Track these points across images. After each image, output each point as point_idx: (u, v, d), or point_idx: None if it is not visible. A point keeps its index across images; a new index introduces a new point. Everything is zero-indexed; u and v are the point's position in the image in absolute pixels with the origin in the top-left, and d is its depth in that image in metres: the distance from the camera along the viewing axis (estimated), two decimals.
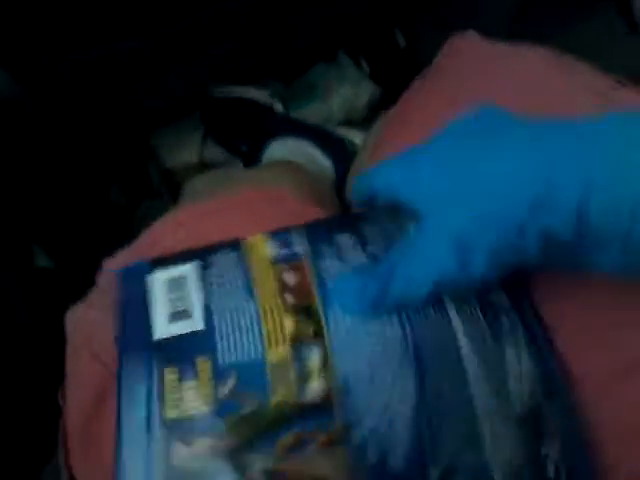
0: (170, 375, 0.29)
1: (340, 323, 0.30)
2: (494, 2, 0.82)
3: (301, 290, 0.31)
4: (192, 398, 0.29)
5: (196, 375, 0.29)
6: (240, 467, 0.27)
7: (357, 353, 0.29)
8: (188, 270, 0.33)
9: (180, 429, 0.28)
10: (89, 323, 0.37)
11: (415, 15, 0.86)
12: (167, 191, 0.75)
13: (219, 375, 0.29)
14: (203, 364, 0.29)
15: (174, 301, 0.32)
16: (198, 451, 0.28)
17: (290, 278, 0.32)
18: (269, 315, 0.31)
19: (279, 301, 0.31)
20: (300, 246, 0.33)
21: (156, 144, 0.77)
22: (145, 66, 0.69)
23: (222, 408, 0.28)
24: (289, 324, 0.30)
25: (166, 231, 0.39)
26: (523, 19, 0.80)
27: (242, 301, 0.31)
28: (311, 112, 0.82)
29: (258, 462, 0.27)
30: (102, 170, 0.70)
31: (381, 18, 0.86)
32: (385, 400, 0.27)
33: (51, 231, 0.61)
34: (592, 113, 0.35)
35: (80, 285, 0.39)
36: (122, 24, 0.62)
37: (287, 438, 0.27)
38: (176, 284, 0.33)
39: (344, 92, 0.83)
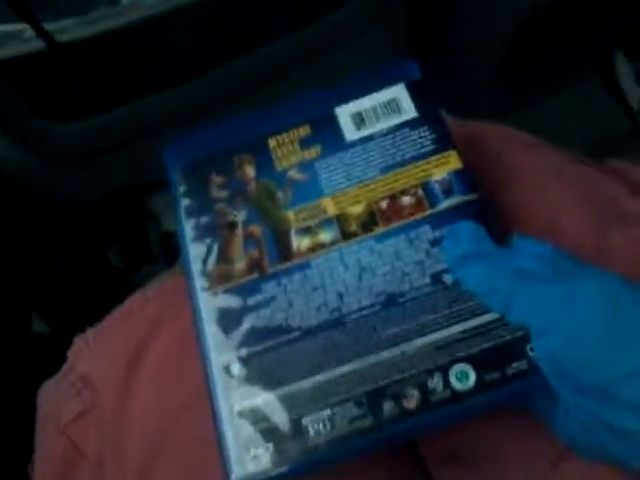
0: None
1: None
2: (480, 60, 0.86)
3: None
4: None
5: None
6: None
7: None
8: None
9: None
10: (56, 396, 0.38)
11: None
12: (164, 255, 0.75)
13: None
14: None
15: None
16: None
17: None
18: None
19: None
20: None
21: (155, 208, 0.78)
22: (142, 128, 0.71)
23: None
24: None
25: (135, 309, 0.39)
26: (509, 82, 0.83)
27: None
28: None
29: None
30: (101, 234, 0.70)
31: None
32: None
33: (48, 296, 0.62)
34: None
35: None
36: (121, 90, 0.63)
37: None
38: None
39: None
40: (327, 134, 0.35)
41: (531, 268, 0.26)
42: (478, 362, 0.28)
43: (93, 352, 0.38)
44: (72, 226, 0.66)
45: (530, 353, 0.28)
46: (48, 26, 0.54)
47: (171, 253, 0.76)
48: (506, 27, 0.78)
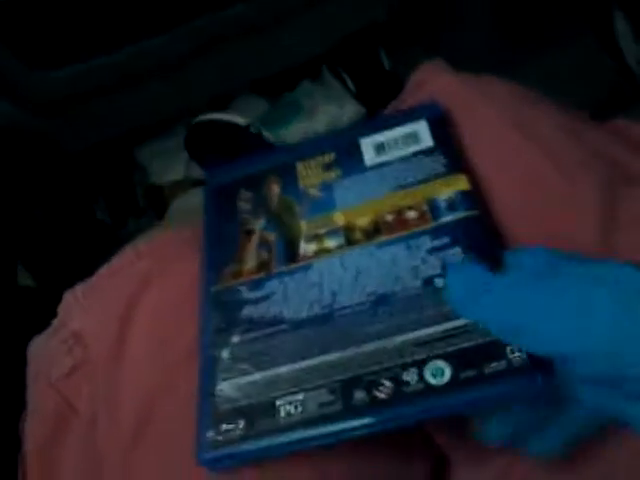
0: None
1: None
2: (476, 23, 0.84)
3: None
4: None
5: None
6: None
7: None
8: None
9: None
10: (48, 353, 0.38)
11: (400, 36, 0.87)
12: (153, 209, 0.75)
13: None
14: None
15: None
16: None
17: None
18: None
19: None
20: None
21: (143, 161, 0.77)
22: (128, 81, 0.69)
23: None
24: None
25: (126, 263, 0.39)
26: (504, 42, 0.82)
27: None
28: (296, 130, 0.83)
29: None
30: (87, 188, 0.70)
31: (366, 38, 0.87)
32: None
33: (35, 250, 0.61)
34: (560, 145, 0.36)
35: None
36: (106, 37, 0.62)
37: None
38: None
39: (329, 110, 0.84)
40: (349, 160, 0.39)
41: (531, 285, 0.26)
42: (455, 360, 0.29)
43: (84, 308, 0.38)
44: (58, 179, 0.64)
45: (510, 355, 0.28)
46: None
47: (158, 205, 0.76)
48: None
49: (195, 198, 0.77)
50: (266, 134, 0.72)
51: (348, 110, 0.84)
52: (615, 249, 0.32)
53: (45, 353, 0.38)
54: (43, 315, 0.40)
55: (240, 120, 0.72)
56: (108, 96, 0.68)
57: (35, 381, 0.37)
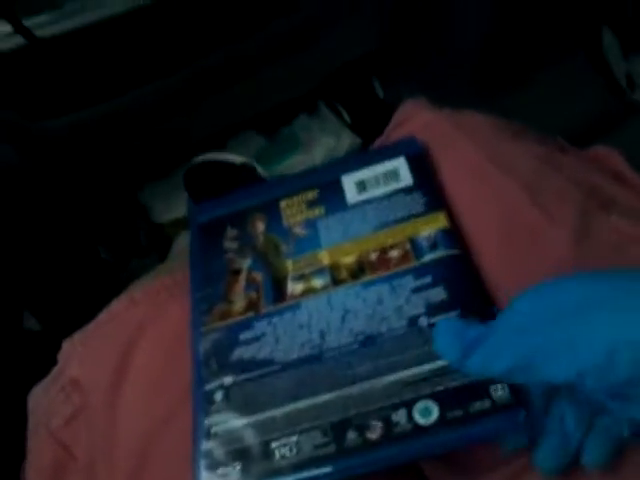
0: None
1: None
2: (466, 52, 0.85)
3: None
4: None
5: None
6: None
7: None
8: None
9: None
10: (47, 402, 0.38)
11: (393, 67, 0.88)
12: (155, 249, 0.76)
13: None
14: None
15: None
16: None
17: None
18: None
19: None
20: None
21: (146, 200, 0.79)
22: (132, 124, 0.71)
23: None
24: None
25: (121, 310, 0.40)
26: (494, 64, 0.83)
27: None
28: (294, 163, 0.85)
29: None
30: (91, 229, 0.71)
31: (360, 69, 0.88)
32: None
33: (40, 292, 0.62)
34: (537, 177, 0.37)
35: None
36: (109, 84, 0.64)
37: None
38: None
39: (326, 143, 0.86)
40: (332, 197, 0.40)
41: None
42: (442, 399, 0.29)
43: (81, 355, 0.39)
44: (62, 221, 0.66)
45: (494, 393, 0.29)
46: (25, 22, 0.53)
47: (161, 244, 0.77)
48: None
49: None
50: (260, 171, 0.73)
51: (345, 141, 0.86)
52: None
53: (44, 402, 0.38)
54: (48, 359, 0.41)
55: (235, 159, 0.73)
56: (107, 140, 0.69)
57: (35, 431, 0.38)
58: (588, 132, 0.44)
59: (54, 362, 0.41)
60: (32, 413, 0.39)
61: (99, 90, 0.64)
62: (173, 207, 0.82)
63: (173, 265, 0.47)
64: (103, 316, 0.41)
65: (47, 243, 0.66)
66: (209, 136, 0.80)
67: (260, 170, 0.73)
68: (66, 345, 0.40)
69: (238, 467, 0.30)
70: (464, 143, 0.40)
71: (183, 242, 0.76)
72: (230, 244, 0.40)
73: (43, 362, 0.41)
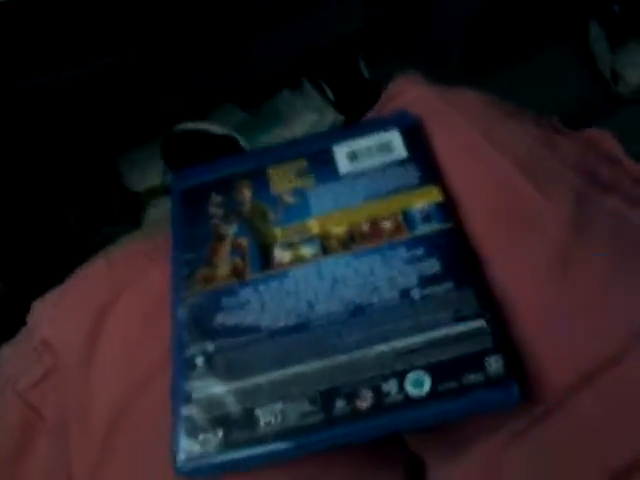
0: None
1: None
2: (453, 34, 0.85)
3: None
4: None
5: None
6: None
7: None
8: None
9: None
10: (15, 362, 0.37)
11: (379, 46, 0.87)
12: (128, 217, 0.74)
13: None
14: None
15: None
16: None
17: None
18: None
19: None
20: None
21: (120, 168, 0.76)
22: (110, 89, 0.69)
23: None
24: None
25: (97, 272, 0.39)
26: (480, 49, 0.83)
27: None
28: (275, 138, 0.83)
29: None
30: (62, 193, 0.69)
31: (346, 48, 0.87)
32: None
33: (6, 255, 0.60)
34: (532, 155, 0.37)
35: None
36: (88, 45, 0.62)
37: None
38: None
39: (308, 119, 0.84)
40: (322, 166, 0.38)
41: None
42: (435, 371, 0.29)
43: (53, 316, 0.37)
44: (33, 184, 0.64)
45: (488, 367, 0.29)
46: None
47: (134, 212, 0.75)
48: None
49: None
50: (243, 143, 0.72)
51: (327, 118, 0.84)
52: (581, 259, 0.32)
53: (13, 362, 0.37)
54: (12, 322, 0.39)
55: (217, 129, 0.71)
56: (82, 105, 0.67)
57: (2, 391, 0.36)
58: (571, 122, 0.43)
59: (19, 325, 0.39)
60: None
61: (75, 53, 0.62)
62: (148, 175, 0.80)
63: (151, 231, 0.46)
64: (76, 277, 0.39)
65: (15, 205, 0.63)
66: (189, 106, 0.78)
67: (242, 142, 0.72)
68: (37, 305, 0.38)
69: (220, 434, 0.29)
70: (457, 119, 0.39)
71: (157, 211, 0.74)
72: (215, 210, 0.38)
73: (7, 324, 0.39)
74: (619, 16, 0.82)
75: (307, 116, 0.85)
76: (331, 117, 0.84)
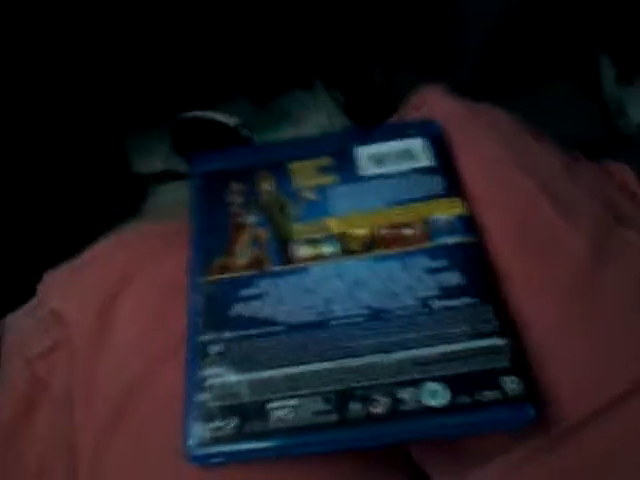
0: None
1: None
2: (468, 51, 0.86)
3: None
4: None
5: None
6: None
7: None
8: None
9: None
10: (24, 330, 0.37)
11: (394, 54, 0.88)
12: (131, 199, 0.74)
13: None
14: None
15: None
16: None
17: None
18: None
19: None
20: None
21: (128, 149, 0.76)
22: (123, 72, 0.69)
23: None
24: None
25: (112, 250, 0.39)
26: (487, 75, 0.84)
27: None
28: (282, 135, 0.83)
29: None
30: (68, 172, 0.68)
31: (361, 54, 0.88)
32: None
33: (12, 226, 0.60)
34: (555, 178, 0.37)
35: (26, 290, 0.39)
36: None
37: None
38: None
39: (318, 121, 0.85)
40: (345, 167, 0.39)
41: None
42: (452, 383, 0.29)
43: (65, 289, 0.37)
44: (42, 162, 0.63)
45: (505, 385, 0.29)
46: None
47: (135, 196, 0.74)
48: (493, 14, 0.78)
49: (175, 191, 0.76)
50: (249, 135, 0.72)
51: (336, 122, 0.85)
52: (601, 286, 0.33)
53: (21, 330, 0.37)
54: (21, 293, 0.39)
55: (230, 120, 0.71)
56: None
57: (8, 360, 0.36)
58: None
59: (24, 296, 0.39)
60: (6, 339, 0.37)
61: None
62: (152, 159, 0.79)
63: (166, 213, 0.46)
64: (91, 253, 0.39)
65: (22, 179, 0.63)
66: (200, 95, 0.78)
67: (249, 134, 0.72)
68: (48, 277, 0.38)
69: (233, 423, 0.30)
70: (484, 135, 0.40)
71: (159, 196, 0.74)
72: (234, 197, 0.38)
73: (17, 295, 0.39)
74: (629, 51, 0.84)
75: (316, 117, 0.85)
76: (340, 121, 0.85)
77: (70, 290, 0.37)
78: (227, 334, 0.32)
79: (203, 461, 0.29)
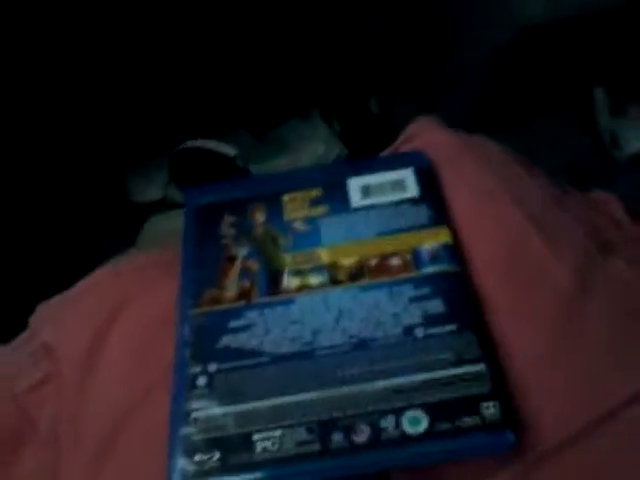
0: None
1: None
2: (462, 83, 0.87)
3: None
4: None
5: None
6: None
7: None
8: None
9: None
10: (13, 365, 0.36)
11: (390, 85, 0.89)
12: (127, 229, 0.74)
13: None
14: None
15: None
16: None
17: None
18: None
19: None
20: None
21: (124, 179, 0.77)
22: (121, 98, 0.70)
23: None
24: None
25: (105, 281, 0.39)
26: (483, 107, 0.85)
27: None
28: (280, 165, 0.84)
29: None
30: (65, 202, 0.69)
31: (357, 84, 0.89)
32: None
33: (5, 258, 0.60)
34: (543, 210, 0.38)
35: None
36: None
37: None
38: None
39: (314, 149, 0.86)
40: (336, 198, 0.39)
41: None
42: (432, 411, 0.29)
43: (57, 322, 0.37)
44: (38, 191, 0.64)
45: (485, 411, 0.29)
46: None
47: (133, 224, 0.75)
48: (496, 43, 0.79)
49: (172, 220, 0.76)
50: (252, 167, 0.72)
51: (333, 150, 0.86)
52: (585, 317, 0.33)
53: (10, 363, 0.37)
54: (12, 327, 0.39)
55: (228, 151, 0.72)
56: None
57: None
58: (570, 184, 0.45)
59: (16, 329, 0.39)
60: None
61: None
62: (150, 189, 0.80)
63: (153, 244, 0.46)
64: (84, 284, 0.39)
65: (17, 209, 0.63)
66: (200, 126, 0.79)
67: (245, 165, 0.72)
68: (41, 309, 0.38)
69: (217, 455, 0.29)
70: (474, 166, 0.40)
71: (158, 224, 0.74)
72: (227, 230, 0.39)
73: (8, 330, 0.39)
74: (623, 82, 0.85)
75: (313, 146, 0.86)
76: (337, 150, 0.86)
77: (62, 323, 0.37)
78: (213, 366, 0.32)
79: None
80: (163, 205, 0.79)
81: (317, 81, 0.88)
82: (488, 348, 0.32)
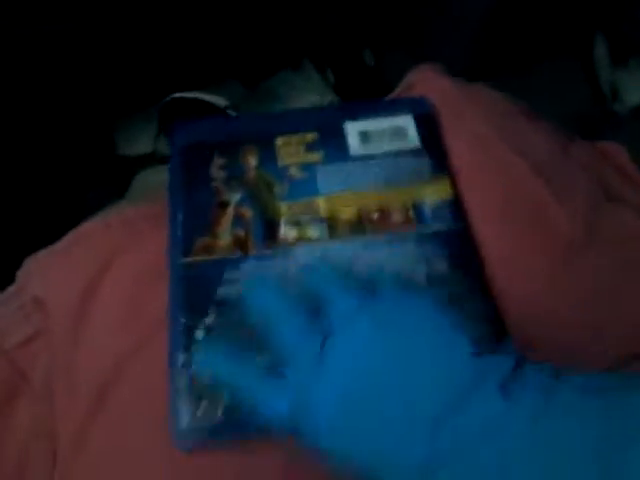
0: None
1: None
2: (460, 32, 0.85)
3: None
4: None
5: None
6: None
7: None
8: None
9: None
10: (2, 319, 0.36)
11: (385, 36, 0.87)
12: (116, 182, 0.73)
13: None
14: None
15: None
16: None
17: None
18: None
19: None
20: None
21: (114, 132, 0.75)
22: (110, 50, 0.68)
23: None
24: None
25: (94, 233, 0.38)
26: (481, 57, 0.83)
27: None
28: None
29: None
30: (53, 154, 0.67)
31: (351, 35, 0.87)
32: None
33: None
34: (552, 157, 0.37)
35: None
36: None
37: None
38: None
39: (306, 100, 0.83)
40: (333, 144, 0.38)
41: None
42: None
43: (46, 275, 0.36)
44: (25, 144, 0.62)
45: None
46: None
47: (122, 177, 0.73)
48: None
49: (162, 174, 0.75)
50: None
51: (325, 100, 0.83)
52: (590, 260, 0.32)
53: None
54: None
55: (220, 101, 0.69)
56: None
57: None
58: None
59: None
60: None
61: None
62: (139, 142, 0.78)
63: (151, 196, 0.45)
64: (72, 237, 0.38)
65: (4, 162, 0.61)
66: (190, 76, 0.77)
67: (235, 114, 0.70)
68: (29, 263, 0.37)
69: (219, 405, 0.29)
70: (475, 114, 0.39)
71: (148, 177, 0.72)
72: (217, 172, 0.37)
73: None
74: (625, 34, 0.83)
75: (306, 97, 0.84)
76: (330, 101, 0.84)
77: (52, 275, 0.36)
78: (211, 318, 0.32)
79: (191, 444, 0.29)
80: (152, 159, 0.77)
81: (311, 31, 0.85)
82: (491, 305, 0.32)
